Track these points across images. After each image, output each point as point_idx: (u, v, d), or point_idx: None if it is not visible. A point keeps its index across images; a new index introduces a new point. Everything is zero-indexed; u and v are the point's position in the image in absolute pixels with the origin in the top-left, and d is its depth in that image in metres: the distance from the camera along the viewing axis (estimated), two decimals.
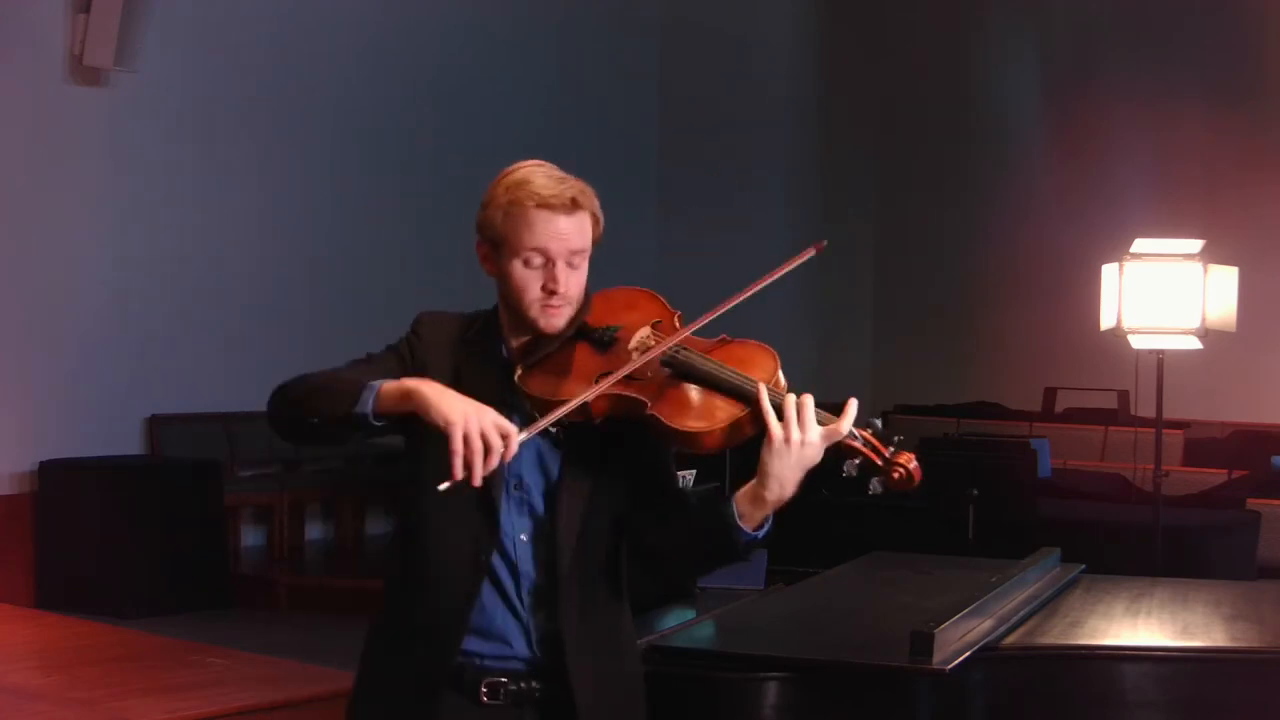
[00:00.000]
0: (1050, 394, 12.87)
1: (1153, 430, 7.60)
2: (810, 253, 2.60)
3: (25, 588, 8.66)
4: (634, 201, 13.13)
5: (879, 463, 2.39)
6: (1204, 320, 7.24)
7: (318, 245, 10.61)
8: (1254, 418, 12.13)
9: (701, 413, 2.44)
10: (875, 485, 2.40)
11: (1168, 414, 7.71)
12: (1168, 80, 13.19)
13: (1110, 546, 7.07)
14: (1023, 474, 7.75)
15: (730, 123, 14.02)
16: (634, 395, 2.47)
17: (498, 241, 2.59)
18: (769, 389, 2.44)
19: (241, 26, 10.21)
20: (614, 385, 2.47)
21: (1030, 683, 3.51)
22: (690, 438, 2.45)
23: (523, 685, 2.61)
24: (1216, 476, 9.69)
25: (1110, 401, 12.14)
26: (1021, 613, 3.84)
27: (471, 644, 2.62)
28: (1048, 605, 4.03)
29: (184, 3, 9.79)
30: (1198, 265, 7.28)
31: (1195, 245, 7.38)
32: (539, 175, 2.58)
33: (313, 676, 5.72)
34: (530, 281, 2.57)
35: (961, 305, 14.30)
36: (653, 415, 2.45)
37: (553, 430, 2.58)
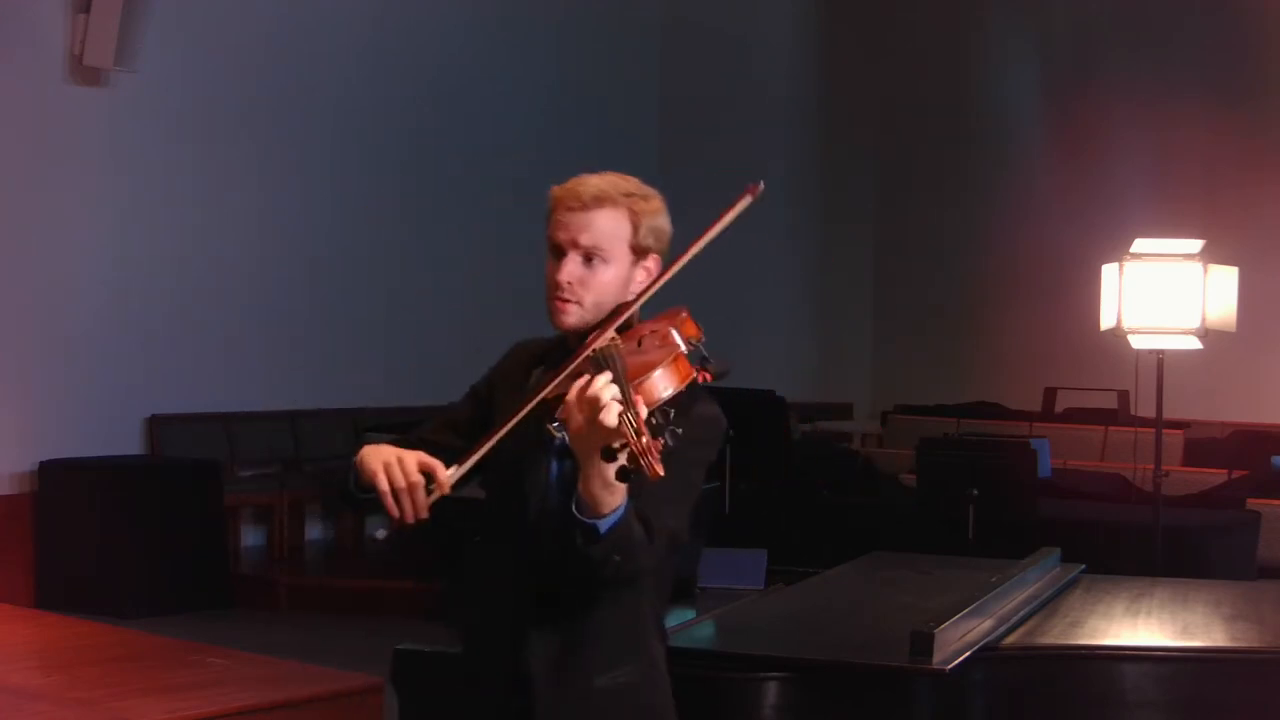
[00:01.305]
0: (1050, 394, 12.86)
1: (1153, 430, 7.59)
2: (746, 199, 2.58)
3: (25, 588, 8.66)
4: None
5: (634, 447, 2.27)
6: (1204, 320, 7.23)
7: (318, 245, 10.61)
8: (1254, 418, 12.14)
9: None
10: (617, 471, 2.31)
11: (1168, 414, 7.71)
12: (1168, 80, 13.20)
13: (1110, 546, 7.07)
14: (1023, 474, 7.74)
15: (730, 123, 14.02)
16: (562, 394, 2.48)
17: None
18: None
19: (241, 26, 10.21)
20: (553, 388, 2.47)
21: (1030, 683, 3.51)
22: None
23: (502, 697, 2.60)
24: (1216, 476, 9.69)
25: (1110, 401, 12.14)
26: (1021, 613, 3.84)
27: None
28: (1048, 605, 4.03)
29: (184, 3, 9.79)
30: (1198, 265, 7.28)
31: (1195, 245, 7.38)
32: (578, 177, 2.65)
33: (313, 676, 5.71)
34: (548, 272, 2.61)
35: (961, 305, 14.30)
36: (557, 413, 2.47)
37: (560, 438, 2.54)
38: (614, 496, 2.37)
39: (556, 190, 2.62)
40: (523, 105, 12.09)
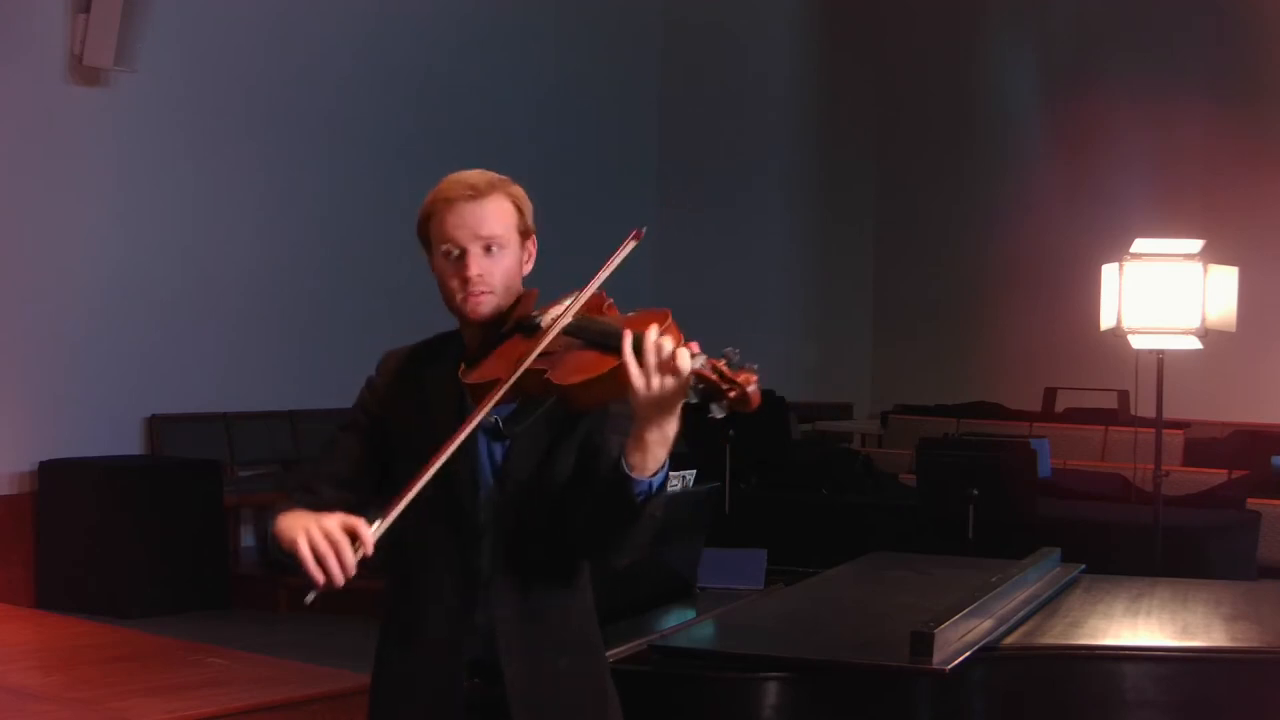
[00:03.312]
0: (1050, 394, 12.86)
1: (1153, 430, 7.59)
2: (630, 243, 2.60)
3: (25, 588, 8.65)
4: (634, 201, 13.13)
5: (720, 385, 2.36)
6: (1204, 320, 7.24)
7: (317, 244, 10.61)
8: (1254, 418, 12.13)
9: (583, 368, 2.48)
10: (715, 410, 2.37)
11: (1168, 414, 7.71)
12: (1168, 80, 13.19)
13: (1110, 546, 7.07)
14: (1023, 474, 7.74)
15: (730, 123, 14.02)
16: (536, 367, 2.52)
17: (426, 245, 2.71)
18: (633, 334, 2.43)
19: (241, 26, 10.21)
20: (531, 362, 2.52)
21: (1030, 683, 3.51)
22: (570, 390, 2.48)
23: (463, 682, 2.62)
24: (1216, 476, 9.69)
25: (1110, 401, 12.14)
26: (1021, 613, 3.84)
27: None
28: (1048, 605, 4.03)
29: (184, 3, 9.79)
30: (1198, 265, 7.28)
31: (1195, 245, 7.38)
32: (450, 176, 2.70)
33: (313, 676, 5.72)
34: (448, 273, 2.65)
35: (961, 305, 14.29)
36: (547, 380, 2.50)
37: (494, 420, 2.61)
38: (665, 451, 2.45)
39: (442, 190, 2.66)
40: (523, 105, 12.09)
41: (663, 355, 2.36)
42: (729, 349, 2.38)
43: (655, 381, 2.36)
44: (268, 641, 7.38)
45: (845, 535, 7.60)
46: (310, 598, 2.45)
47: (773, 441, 9.02)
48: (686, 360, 2.35)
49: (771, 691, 3.28)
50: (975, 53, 14.66)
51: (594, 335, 2.51)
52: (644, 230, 2.60)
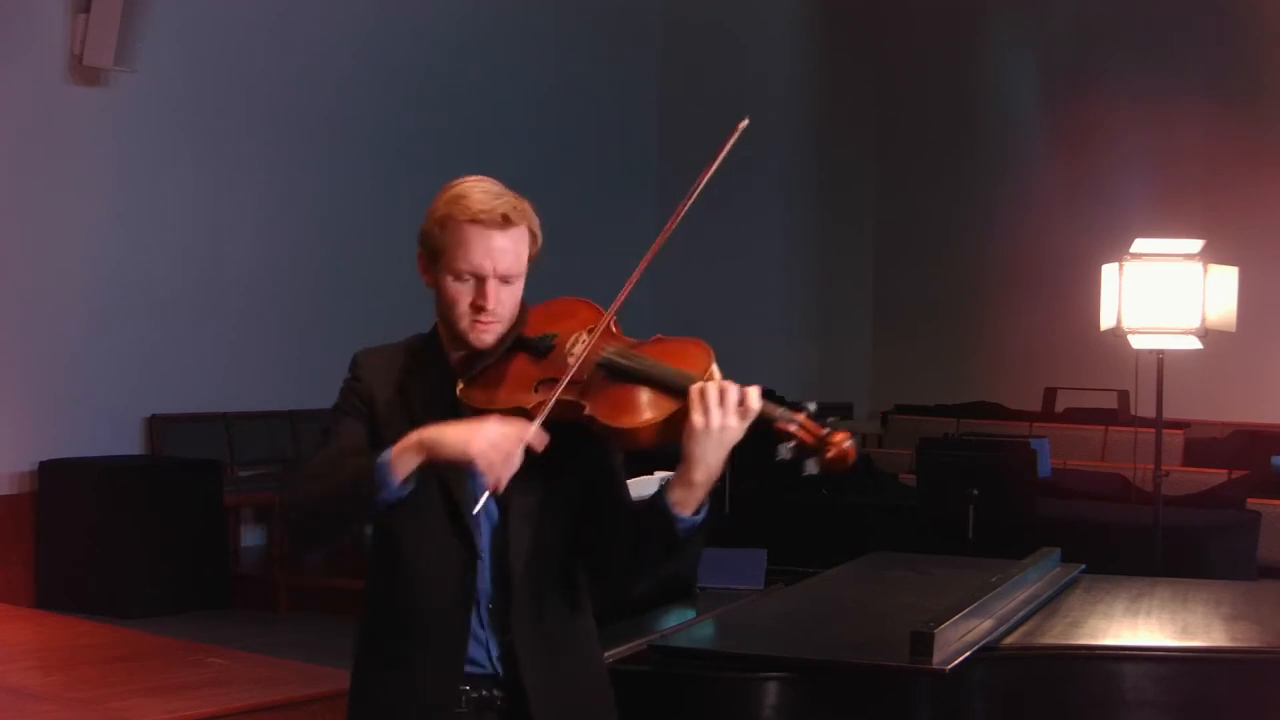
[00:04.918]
0: (1050, 394, 12.87)
1: (1153, 430, 7.59)
2: (737, 131, 2.69)
3: (25, 588, 8.66)
4: (634, 201, 13.12)
5: (812, 443, 2.42)
6: (1204, 320, 7.24)
7: (317, 245, 10.62)
8: (1254, 418, 12.13)
9: (636, 409, 2.48)
10: (810, 466, 2.43)
11: (1168, 414, 7.71)
12: (1168, 80, 13.19)
13: (1110, 546, 7.07)
14: (1023, 474, 7.75)
15: (730, 123, 13.98)
16: (570, 399, 2.50)
17: (434, 254, 2.65)
18: (697, 377, 2.47)
19: (241, 26, 10.22)
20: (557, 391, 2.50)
21: (1030, 683, 3.51)
22: (625, 434, 2.48)
23: (484, 693, 2.61)
24: (1216, 476, 9.69)
25: (1110, 401, 12.14)
26: (1021, 613, 3.84)
27: None
28: (1048, 605, 4.03)
29: (184, 3, 9.79)
30: (1198, 265, 7.28)
31: (1195, 245, 7.38)
32: (476, 190, 2.62)
33: (313, 676, 5.72)
34: (461, 295, 2.61)
35: (961, 305, 14.29)
36: (590, 416, 2.49)
37: None
38: (707, 492, 2.49)
39: (469, 208, 2.59)
40: (523, 105, 12.10)
41: (732, 399, 2.41)
42: (807, 403, 2.47)
43: (719, 422, 2.41)
44: (268, 641, 7.39)
45: (845, 535, 7.59)
46: (479, 507, 2.46)
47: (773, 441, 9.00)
48: (756, 401, 2.42)
49: (771, 691, 3.28)
50: (975, 53, 14.65)
51: (637, 373, 2.50)
52: (746, 120, 2.69)
